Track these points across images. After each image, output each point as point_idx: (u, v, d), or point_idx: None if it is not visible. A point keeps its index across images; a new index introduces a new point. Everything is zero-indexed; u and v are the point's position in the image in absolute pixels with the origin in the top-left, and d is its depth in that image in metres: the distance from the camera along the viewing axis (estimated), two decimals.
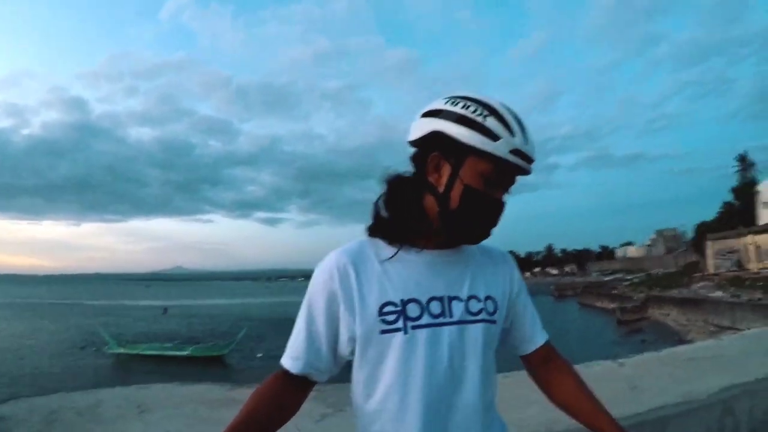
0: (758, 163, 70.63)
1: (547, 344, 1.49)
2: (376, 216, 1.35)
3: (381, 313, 1.24)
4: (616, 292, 56.00)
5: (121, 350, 29.63)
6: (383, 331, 1.23)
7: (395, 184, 1.34)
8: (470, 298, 1.31)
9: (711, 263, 43.16)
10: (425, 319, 1.24)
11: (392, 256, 1.30)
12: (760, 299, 27.42)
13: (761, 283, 30.54)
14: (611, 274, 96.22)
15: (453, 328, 1.26)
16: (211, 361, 27.98)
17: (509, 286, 1.43)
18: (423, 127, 1.28)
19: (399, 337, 1.23)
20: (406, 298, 1.25)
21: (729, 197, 58.85)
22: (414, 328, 1.23)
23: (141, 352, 29.09)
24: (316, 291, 1.30)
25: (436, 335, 1.24)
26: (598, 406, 1.39)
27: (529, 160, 1.24)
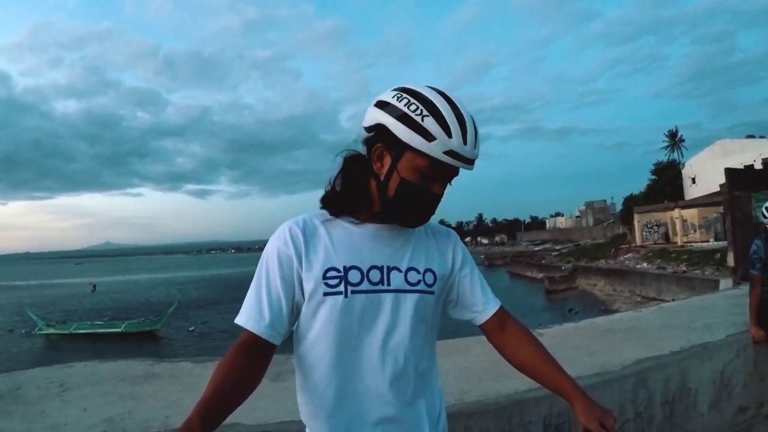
0: (686, 140, 73.31)
1: (500, 311, 1.57)
2: (329, 189, 1.46)
3: (324, 276, 1.35)
4: (544, 262, 56.89)
5: (51, 330, 28.94)
6: (326, 293, 1.34)
7: (350, 161, 1.44)
8: (409, 269, 1.43)
9: (638, 236, 44.40)
10: (365, 286, 1.36)
11: (336, 226, 1.43)
12: (684, 272, 28.26)
13: (686, 256, 31.41)
14: (540, 244, 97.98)
15: (390, 295, 1.38)
16: (144, 336, 27.61)
17: (451, 260, 1.54)
18: (372, 116, 1.37)
19: (339, 299, 1.34)
20: (348, 264, 1.37)
21: (656, 172, 60.51)
22: (354, 292, 1.35)
23: (72, 331, 28.36)
24: (272, 256, 1.39)
25: (374, 301, 1.37)
26: (556, 366, 1.46)
27: (466, 160, 1.33)
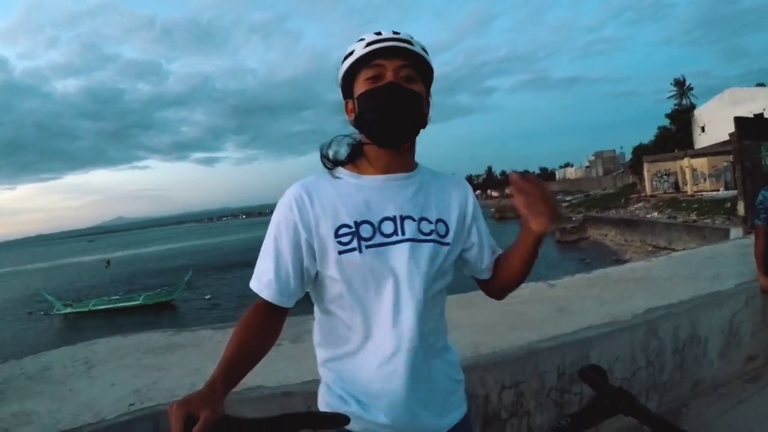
0: (695, 88, 71.92)
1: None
2: (332, 157, 1.49)
3: (337, 235, 1.35)
4: None
5: (69, 310, 29.15)
6: (340, 252, 1.34)
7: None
8: (422, 219, 1.42)
9: (648, 185, 44.22)
10: (378, 239, 1.36)
11: (342, 182, 1.43)
12: (695, 221, 28.16)
13: (696, 205, 31.32)
14: None
15: (405, 245, 1.37)
16: (162, 307, 27.91)
17: (463, 209, 1.53)
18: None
19: (355, 256, 1.34)
20: (359, 219, 1.37)
21: (666, 121, 59.82)
22: (368, 247, 1.35)
23: (90, 308, 28.66)
24: (278, 222, 1.40)
25: (390, 252, 1.36)
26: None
27: (390, 39, 1.36)
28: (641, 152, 52.51)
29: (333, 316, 1.42)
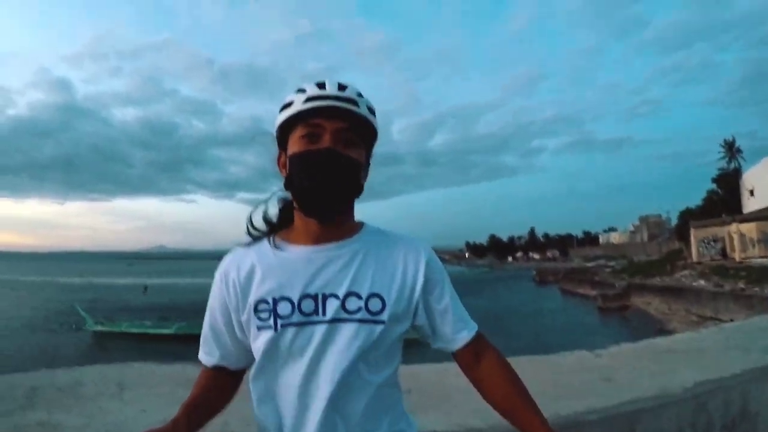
0: (744, 150, 70.90)
1: (475, 340, 1.40)
2: (264, 218, 1.42)
3: (256, 310, 1.28)
4: (597, 278, 56.20)
5: (100, 328, 29.37)
6: (259, 327, 1.28)
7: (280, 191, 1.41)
8: (348, 295, 1.27)
9: (694, 251, 43.37)
10: (295, 318, 1.25)
11: (269, 253, 1.34)
12: (742, 289, 27.60)
13: (744, 273, 30.67)
14: (593, 260, 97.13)
15: (324, 326, 1.24)
16: (193, 339, 27.72)
17: (413, 279, 1.34)
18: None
19: (270, 333, 1.25)
20: (278, 296, 1.27)
21: (714, 184, 58.99)
22: (284, 326, 1.25)
23: (122, 330, 28.87)
24: (212, 292, 1.40)
25: (305, 333, 1.24)
26: (530, 406, 1.32)
27: (331, 97, 1.26)
28: (688, 217, 52.01)
29: (253, 393, 1.33)
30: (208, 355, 1.42)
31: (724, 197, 54.49)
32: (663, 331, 23.85)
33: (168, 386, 3.27)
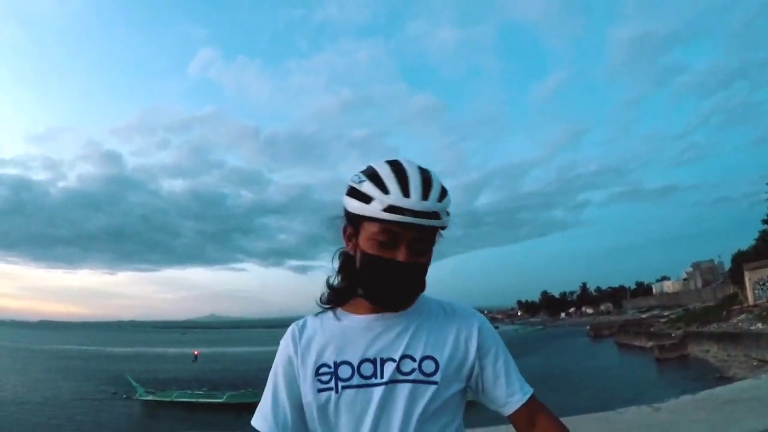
0: None
1: (529, 403, 1.43)
2: (329, 286, 1.48)
3: (317, 374, 1.36)
4: (653, 329, 54.97)
5: (151, 397, 29.27)
6: (319, 390, 1.35)
7: (343, 257, 1.46)
8: (404, 357, 1.35)
9: (750, 294, 42.15)
10: (355, 380, 1.33)
11: (332, 321, 1.44)
12: None
13: None
14: (648, 310, 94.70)
15: (381, 388, 1.32)
16: (244, 408, 27.62)
17: (465, 344, 1.42)
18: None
19: (331, 395, 1.33)
20: (339, 360, 1.36)
21: (765, 224, 57.68)
22: (344, 387, 1.33)
23: (173, 399, 28.70)
24: (278, 358, 1.45)
25: (365, 395, 1.32)
26: None
27: (414, 213, 1.26)
28: (741, 259, 50.61)
29: None
30: (264, 420, 1.40)
31: None
32: (723, 378, 23.01)
33: None
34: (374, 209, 1.26)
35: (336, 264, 1.48)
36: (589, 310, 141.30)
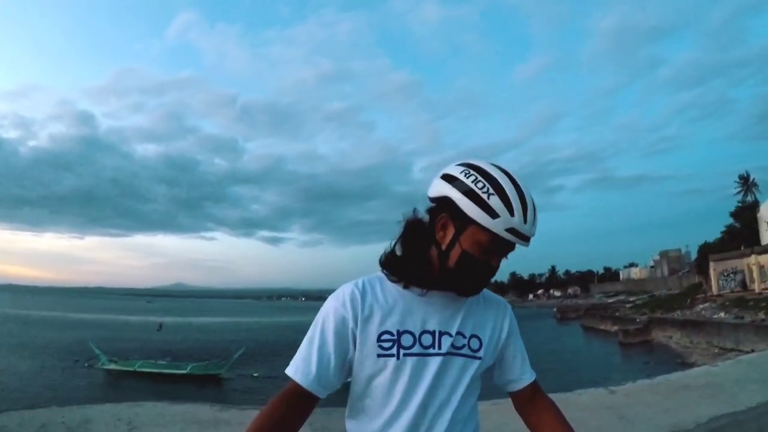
0: (760, 183, 71.56)
1: (533, 383, 1.67)
2: (389, 253, 1.53)
3: (379, 339, 1.44)
4: (618, 314, 55.79)
5: (113, 366, 29.08)
6: (379, 355, 1.43)
7: (411, 227, 1.51)
8: (457, 334, 1.49)
9: (714, 284, 43.04)
10: (416, 349, 1.44)
11: (394, 290, 1.50)
12: (763, 320, 27.34)
13: (764, 304, 30.41)
14: (614, 295, 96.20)
15: (439, 359, 1.46)
16: (208, 380, 27.56)
17: (499, 328, 1.61)
18: (438, 188, 1.44)
19: (392, 361, 1.43)
20: (402, 329, 1.45)
21: (732, 218, 58.83)
22: (405, 355, 1.43)
23: (135, 369, 28.51)
24: (328, 314, 1.47)
25: (424, 363, 1.45)
26: None
27: (525, 237, 1.40)
28: (707, 250, 51.64)
29: (361, 416, 1.50)
30: (304, 374, 1.44)
31: (742, 230, 54.14)
32: (684, 364, 23.54)
33: (178, 426, 3.21)
34: (498, 226, 1.35)
35: (399, 241, 1.52)
36: (557, 293, 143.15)
